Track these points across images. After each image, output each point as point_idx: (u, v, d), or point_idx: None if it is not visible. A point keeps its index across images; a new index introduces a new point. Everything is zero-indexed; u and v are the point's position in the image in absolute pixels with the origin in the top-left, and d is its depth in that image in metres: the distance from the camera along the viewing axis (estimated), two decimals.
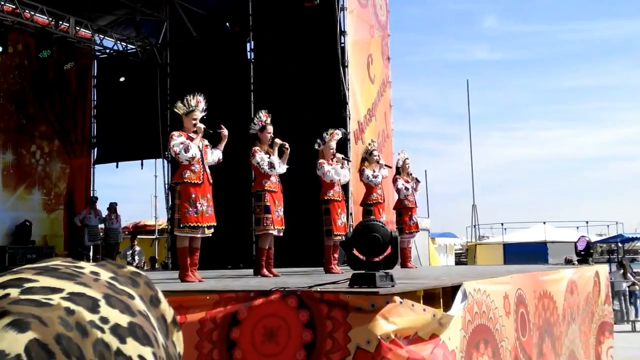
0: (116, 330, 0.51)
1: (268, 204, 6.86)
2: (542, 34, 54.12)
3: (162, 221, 15.97)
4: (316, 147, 7.88)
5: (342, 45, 11.37)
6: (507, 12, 57.20)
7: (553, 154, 51.05)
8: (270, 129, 7.12)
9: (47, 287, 0.51)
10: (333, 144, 7.86)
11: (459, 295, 3.89)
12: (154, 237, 18.31)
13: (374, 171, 8.64)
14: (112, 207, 14.18)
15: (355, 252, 3.63)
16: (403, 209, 9.46)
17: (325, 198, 7.62)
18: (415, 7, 53.00)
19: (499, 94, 52.96)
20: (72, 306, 0.50)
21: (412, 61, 50.81)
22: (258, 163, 6.86)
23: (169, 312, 0.61)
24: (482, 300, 4.25)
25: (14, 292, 0.50)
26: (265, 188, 6.88)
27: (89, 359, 0.48)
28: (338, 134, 7.99)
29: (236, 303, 3.56)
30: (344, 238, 7.31)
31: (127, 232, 18.21)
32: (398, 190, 9.46)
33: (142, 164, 14.87)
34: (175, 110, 6.16)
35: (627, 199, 46.25)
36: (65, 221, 14.17)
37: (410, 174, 9.58)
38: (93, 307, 0.51)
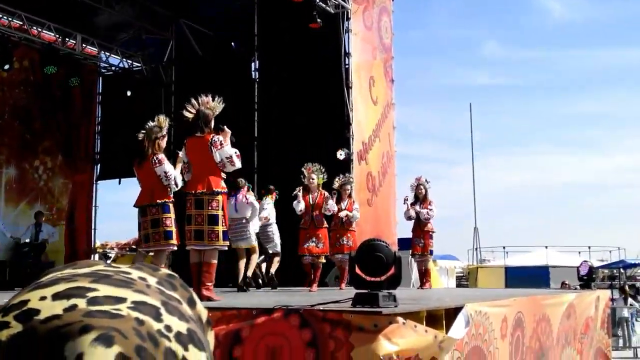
0: (179, 337, 0.53)
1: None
2: (543, 60, 54.21)
3: None
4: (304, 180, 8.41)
5: (347, 66, 11.44)
6: (507, 38, 57.33)
7: (555, 180, 50.94)
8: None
9: (110, 297, 0.53)
10: (313, 176, 8.34)
11: (461, 318, 3.87)
12: None
13: (332, 203, 8.60)
14: None
15: (358, 271, 3.63)
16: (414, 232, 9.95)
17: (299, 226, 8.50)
18: (416, 32, 53.13)
19: (500, 119, 52.99)
20: (141, 316, 0.52)
21: (414, 85, 50.87)
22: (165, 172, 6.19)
23: (204, 312, 0.62)
24: (481, 322, 4.23)
25: (81, 303, 0.51)
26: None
27: None
28: (315, 165, 8.45)
29: (238, 321, 3.55)
30: (310, 260, 8.32)
31: (127, 249, 18.09)
32: (409, 218, 9.87)
33: None
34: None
35: (629, 226, 46.05)
36: (67, 237, 14.13)
37: (407, 199, 9.91)
38: (157, 315, 0.53)
